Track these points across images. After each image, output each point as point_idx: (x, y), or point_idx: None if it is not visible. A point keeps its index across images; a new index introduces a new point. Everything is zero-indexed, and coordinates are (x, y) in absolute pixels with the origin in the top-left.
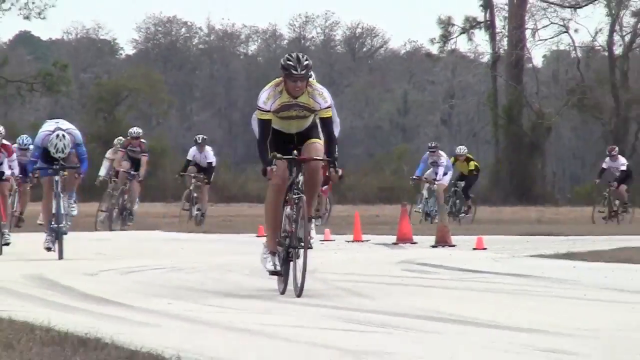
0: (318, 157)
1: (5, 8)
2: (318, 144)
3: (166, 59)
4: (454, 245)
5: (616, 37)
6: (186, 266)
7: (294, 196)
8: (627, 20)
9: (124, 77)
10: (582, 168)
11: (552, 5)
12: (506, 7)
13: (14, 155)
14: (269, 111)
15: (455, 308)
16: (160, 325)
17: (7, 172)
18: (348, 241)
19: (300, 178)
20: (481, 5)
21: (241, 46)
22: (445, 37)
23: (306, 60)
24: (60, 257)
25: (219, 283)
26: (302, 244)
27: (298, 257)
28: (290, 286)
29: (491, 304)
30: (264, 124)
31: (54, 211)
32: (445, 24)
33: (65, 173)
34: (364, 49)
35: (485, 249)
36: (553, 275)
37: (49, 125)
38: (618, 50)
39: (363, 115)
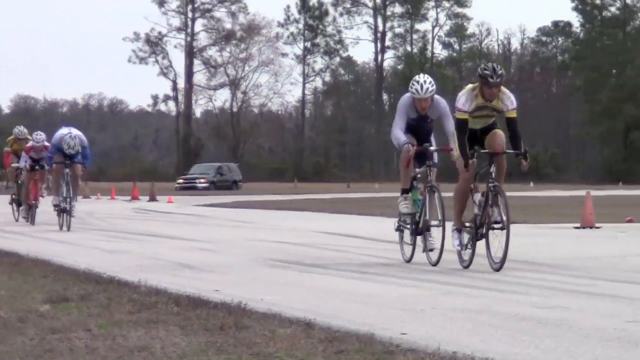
0: (508, 151)
1: None
2: (500, 132)
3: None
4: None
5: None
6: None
7: (490, 184)
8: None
9: None
10: None
11: (204, 88)
12: (183, 89)
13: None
14: (466, 112)
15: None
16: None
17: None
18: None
19: (493, 169)
20: (172, 89)
21: None
22: (155, 104)
23: (500, 70)
24: (68, 229)
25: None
26: (500, 224)
27: (486, 236)
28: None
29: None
30: (462, 123)
31: (64, 195)
32: (154, 97)
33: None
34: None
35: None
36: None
37: (62, 130)
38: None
39: None
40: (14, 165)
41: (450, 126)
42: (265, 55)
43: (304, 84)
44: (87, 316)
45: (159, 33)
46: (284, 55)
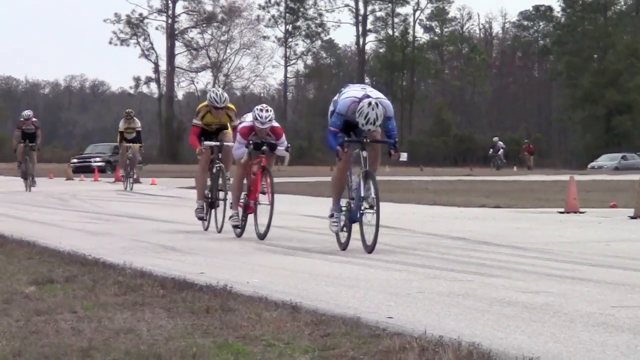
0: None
1: None
2: None
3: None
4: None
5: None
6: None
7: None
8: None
9: None
10: None
11: (186, 71)
12: (165, 71)
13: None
14: None
15: None
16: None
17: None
18: None
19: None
20: (154, 71)
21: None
22: (137, 87)
23: None
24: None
25: None
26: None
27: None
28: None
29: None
30: None
31: (373, 194)
32: (136, 79)
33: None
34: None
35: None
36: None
37: (354, 91)
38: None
39: None
40: (206, 144)
41: None
42: (246, 37)
43: (285, 66)
44: (73, 298)
45: (140, 15)
46: (266, 38)
